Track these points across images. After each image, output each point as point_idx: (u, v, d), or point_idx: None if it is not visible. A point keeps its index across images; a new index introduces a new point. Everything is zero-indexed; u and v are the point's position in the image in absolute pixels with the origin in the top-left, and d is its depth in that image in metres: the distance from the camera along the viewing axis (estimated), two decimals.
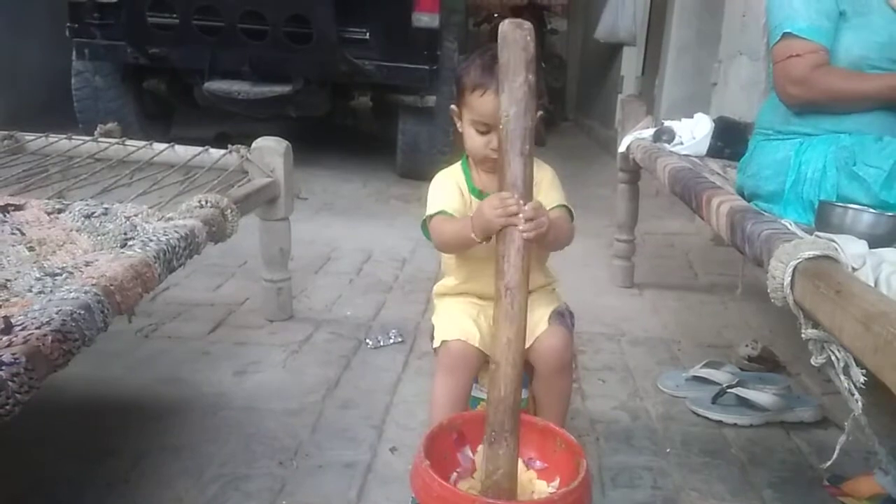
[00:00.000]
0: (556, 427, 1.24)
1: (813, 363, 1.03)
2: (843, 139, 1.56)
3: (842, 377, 0.97)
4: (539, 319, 1.36)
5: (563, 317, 1.40)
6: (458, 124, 1.37)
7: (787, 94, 1.64)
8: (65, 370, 0.96)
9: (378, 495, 1.40)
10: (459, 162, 1.42)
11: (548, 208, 1.25)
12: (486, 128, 1.30)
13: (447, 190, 1.37)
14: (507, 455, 1.11)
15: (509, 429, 1.11)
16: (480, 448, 1.22)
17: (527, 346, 1.32)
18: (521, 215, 1.13)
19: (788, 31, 1.59)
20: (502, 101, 1.15)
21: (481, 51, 1.34)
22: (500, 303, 1.13)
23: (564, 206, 1.35)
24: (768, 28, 1.67)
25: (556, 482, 1.19)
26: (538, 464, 1.24)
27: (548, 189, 1.36)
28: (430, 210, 1.36)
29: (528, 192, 1.16)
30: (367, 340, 2.08)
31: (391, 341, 2.09)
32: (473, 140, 1.33)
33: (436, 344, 1.35)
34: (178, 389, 1.75)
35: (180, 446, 1.50)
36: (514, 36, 1.16)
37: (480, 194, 1.36)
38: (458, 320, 1.35)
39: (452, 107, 1.38)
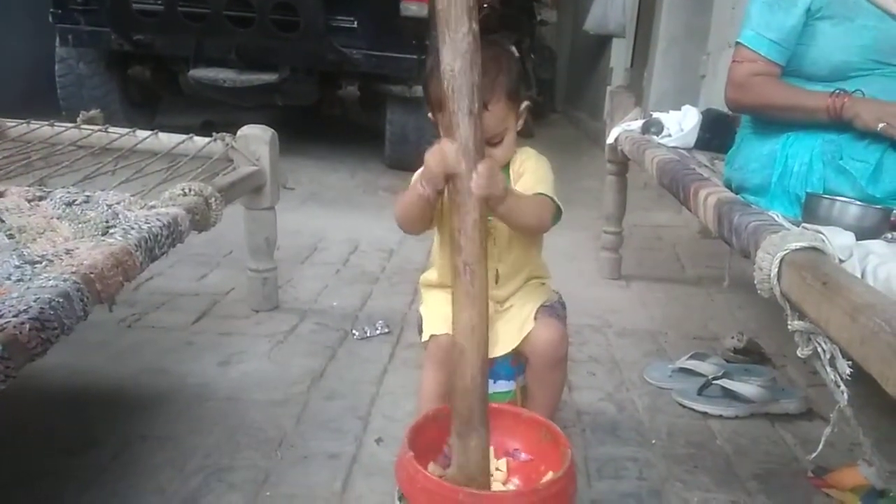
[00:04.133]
0: (541, 418, 1.24)
1: (799, 355, 1.03)
2: (830, 133, 1.57)
3: (828, 368, 0.97)
4: (529, 314, 1.35)
5: (552, 309, 1.39)
6: (438, 130, 1.28)
7: (726, 97, 1.72)
8: (45, 360, 0.95)
9: (363, 487, 1.39)
10: None
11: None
12: None
13: None
14: (479, 446, 1.07)
15: (479, 419, 1.06)
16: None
17: (515, 342, 1.32)
18: (467, 167, 1.05)
19: (738, 39, 1.67)
20: (444, 54, 1.03)
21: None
22: (459, 280, 1.06)
23: (544, 194, 1.28)
24: None
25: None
26: (523, 455, 1.24)
27: (528, 175, 1.30)
28: None
29: (479, 154, 1.08)
30: (354, 331, 2.07)
31: (377, 332, 2.07)
32: None
33: (424, 337, 1.34)
34: (162, 380, 1.73)
35: (163, 437, 1.49)
36: None
37: None
38: (446, 313, 1.33)
39: (430, 115, 1.30)
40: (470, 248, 1.05)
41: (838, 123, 1.53)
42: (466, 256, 1.05)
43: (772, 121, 1.66)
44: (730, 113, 2.49)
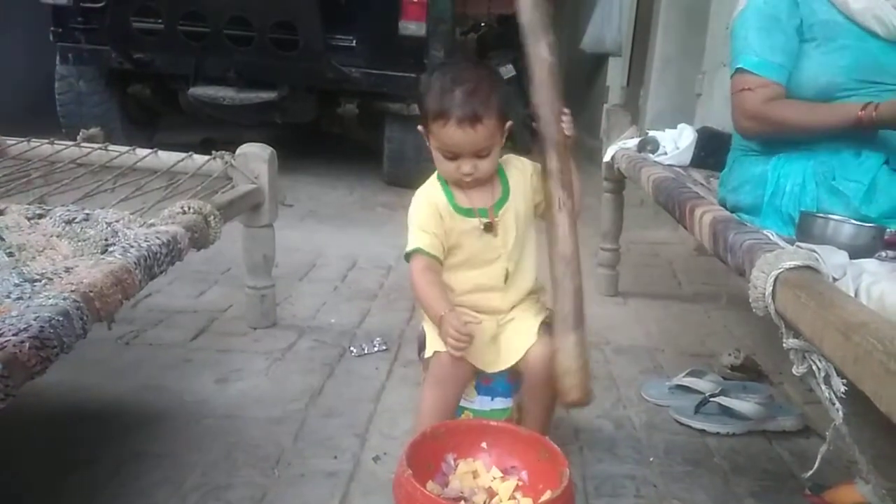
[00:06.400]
0: (540, 436, 1.25)
1: (794, 373, 1.04)
2: (822, 154, 1.58)
3: (823, 387, 0.98)
4: (528, 329, 1.36)
5: (550, 328, 1.40)
6: (428, 143, 1.35)
7: (741, 127, 1.67)
8: (44, 377, 0.95)
9: None
10: (435, 176, 1.40)
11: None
12: (452, 155, 1.29)
13: (424, 216, 1.36)
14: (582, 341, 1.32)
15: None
16: (464, 462, 1.22)
17: (518, 356, 1.34)
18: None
19: (741, 66, 1.62)
20: (539, 49, 1.34)
21: (441, 70, 1.32)
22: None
23: None
24: (731, 58, 1.69)
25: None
26: (523, 473, 1.24)
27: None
28: (409, 244, 1.35)
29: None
30: (352, 348, 2.07)
31: (375, 349, 2.07)
32: (443, 164, 1.32)
33: (427, 354, 1.34)
34: (160, 397, 1.73)
35: (161, 455, 1.49)
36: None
37: (470, 212, 1.35)
38: None
39: (419, 127, 1.35)
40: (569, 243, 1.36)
41: (862, 132, 1.50)
42: (565, 250, 1.35)
43: (764, 142, 1.66)
44: (725, 131, 2.51)
